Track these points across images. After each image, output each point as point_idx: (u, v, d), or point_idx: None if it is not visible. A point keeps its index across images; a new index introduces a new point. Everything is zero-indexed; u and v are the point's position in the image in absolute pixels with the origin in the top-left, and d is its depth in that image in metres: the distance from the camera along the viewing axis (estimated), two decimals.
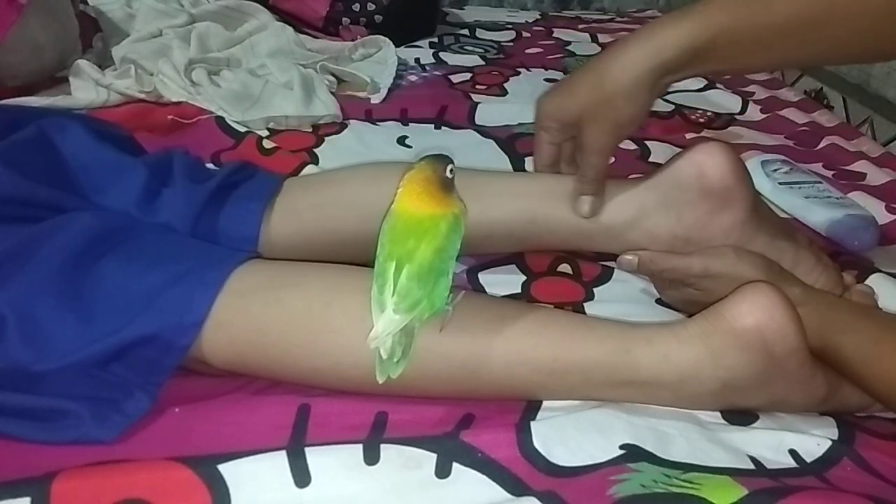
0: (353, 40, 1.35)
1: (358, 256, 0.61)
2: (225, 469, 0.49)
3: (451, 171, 0.55)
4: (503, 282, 0.74)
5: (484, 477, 0.51)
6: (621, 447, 0.54)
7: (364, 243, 0.57)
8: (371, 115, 1.09)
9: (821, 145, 1.11)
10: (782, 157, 0.99)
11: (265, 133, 1.00)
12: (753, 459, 0.54)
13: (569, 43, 1.51)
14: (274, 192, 0.72)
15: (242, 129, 1.00)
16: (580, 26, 1.66)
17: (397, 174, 0.56)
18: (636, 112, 0.66)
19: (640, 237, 0.70)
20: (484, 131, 1.05)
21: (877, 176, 1.02)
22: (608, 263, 0.77)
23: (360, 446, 0.52)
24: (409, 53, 1.37)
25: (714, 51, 0.63)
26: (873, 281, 0.76)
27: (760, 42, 0.63)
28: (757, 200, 0.71)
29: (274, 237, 0.70)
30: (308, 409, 0.56)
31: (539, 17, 1.78)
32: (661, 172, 0.71)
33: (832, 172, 1.02)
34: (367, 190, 0.70)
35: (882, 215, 0.90)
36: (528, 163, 0.97)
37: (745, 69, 0.67)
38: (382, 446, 0.52)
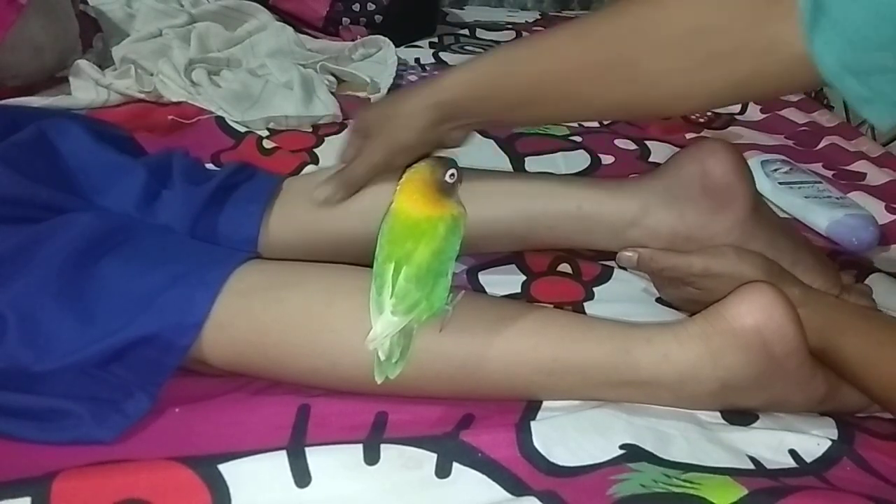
0: (353, 40, 1.35)
1: (358, 257, 0.61)
2: (225, 469, 0.50)
3: (453, 175, 0.55)
4: (503, 282, 0.74)
5: (484, 477, 0.51)
6: (621, 447, 0.54)
7: (364, 245, 0.57)
8: None
9: (821, 145, 1.11)
10: (782, 157, 0.99)
11: (265, 133, 1.00)
12: (753, 459, 0.54)
13: None
14: (273, 193, 0.72)
15: (242, 129, 1.00)
16: None
17: (396, 174, 0.56)
18: (410, 142, 0.68)
19: (642, 235, 0.70)
20: (484, 131, 1.05)
21: (877, 176, 1.02)
22: (608, 263, 0.77)
23: (361, 446, 0.52)
24: (409, 53, 1.37)
25: (486, 100, 0.66)
26: (873, 281, 0.76)
27: (541, 91, 0.64)
28: (758, 200, 0.71)
29: (273, 238, 0.70)
30: (308, 409, 0.56)
31: (539, 17, 1.78)
32: (664, 170, 0.71)
33: (832, 172, 1.02)
34: (366, 191, 0.70)
35: (882, 215, 0.90)
36: (529, 163, 0.97)
37: (538, 118, 0.71)
38: (382, 446, 0.52)
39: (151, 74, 1.09)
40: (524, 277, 0.75)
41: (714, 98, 0.63)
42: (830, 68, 0.51)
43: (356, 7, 1.41)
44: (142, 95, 1.06)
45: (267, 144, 0.97)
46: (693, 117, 1.18)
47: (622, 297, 0.73)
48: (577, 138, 1.04)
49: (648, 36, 0.59)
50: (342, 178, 0.71)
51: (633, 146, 1.04)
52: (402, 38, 1.40)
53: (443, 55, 1.39)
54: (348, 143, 0.75)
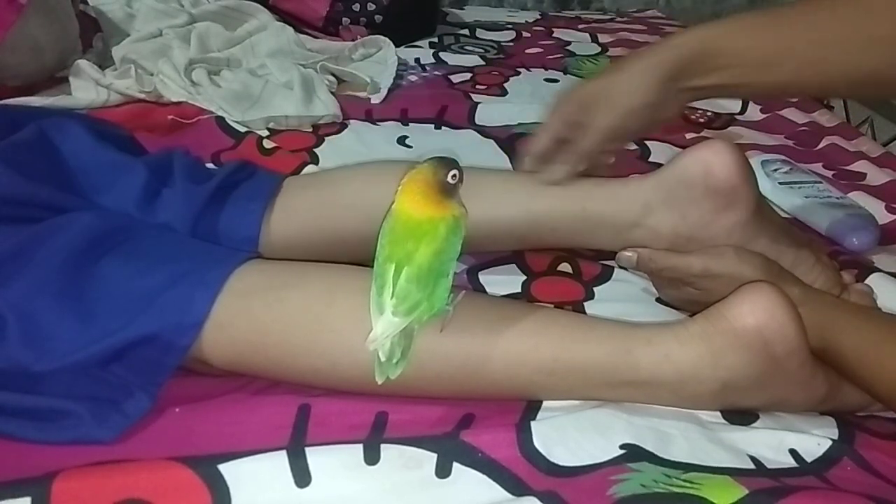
0: (353, 40, 1.35)
1: (358, 256, 0.61)
2: (225, 469, 0.50)
3: (455, 175, 0.55)
4: (503, 281, 0.74)
5: (484, 477, 0.51)
6: (621, 447, 0.54)
7: (365, 243, 0.57)
8: (371, 115, 1.09)
9: (821, 145, 1.11)
10: (782, 157, 0.99)
11: (265, 133, 1.00)
12: (754, 459, 0.54)
13: (569, 43, 1.51)
14: (274, 191, 0.72)
15: (242, 129, 1.00)
16: (580, 26, 1.66)
17: (397, 174, 0.56)
18: (637, 103, 0.67)
19: (644, 234, 0.69)
20: (484, 131, 1.05)
21: (877, 176, 1.02)
22: (608, 263, 0.77)
23: (361, 446, 0.52)
24: (409, 53, 1.37)
25: (721, 56, 0.64)
26: (873, 281, 0.76)
27: (786, 53, 0.64)
28: (760, 200, 0.70)
29: (274, 237, 0.70)
30: (308, 409, 0.56)
31: (539, 17, 1.78)
32: (667, 170, 0.71)
33: (832, 172, 1.02)
34: (368, 190, 0.70)
35: (882, 215, 0.90)
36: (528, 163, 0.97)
37: (760, 87, 0.69)
38: (383, 446, 0.52)
39: (151, 74, 1.09)
40: (524, 277, 0.75)
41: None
42: None
43: (356, 7, 1.41)
44: (142, 95, 1.06)
45: (267, 144, 0.97)
46: (693, 117, 1.18)
47: (622, 296, 0.73)
48: None
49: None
50: (575, 151, 0.69)
51: (633, 146, 1.04)
52: (402, 38, 1.40)
53: (443, 55, 1.39)
54: (542, 132, 0.72)
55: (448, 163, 0.55)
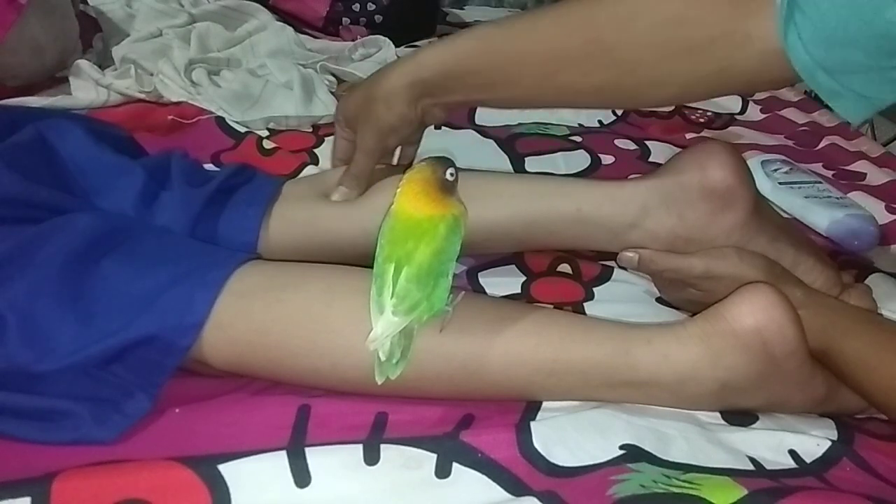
0: (353, 40, 1.35)
1: (358, 259, 0.61)
2: (225, 469, 0.50)
3: (452, 174, 0.55)
4: (503, 282, 0.74)
5: (484, 477, 0.51)
6: (621, 447, 0.54)
7: (364, 246, 0.57)
8: None
9: (821, 145, 1.11)
10: (782, 157, 0.99)
11: (265, 133, 1.00)
12: (753, 460, 0.54)
13: None
14: (272, 196, 0.72)
15: (242, 130, 1.00)
16: None
17: (394, 183, 0.56)
18: (395, 121, 0.69)
19: (642, 236, 0.70)
20: (484, 131, 1.05)
21: (877, 176, 1.02)
22: (608, 263, 0.77)
23: (361, 446, 0.52)
24: (409, 53, 1.37)
25: (460, 78, 0.66)
26: (873, 281, 0.76)
27: (520, 70, 0.65)
28: (758, 201, 0.71)
29: (273, 242, 0.70)
30: (308, 409, 0.56)
31: None
32: (664, 172, 0.71)
33: (832, 172, 1.02)
34: (366, 202, 0.70)
35: (882, 215, 0.90)
36: (529, 163, 0.97)
37: (506, 101, 0.73)
38: (382, 446, 0.52)
39: (151, 74, 1.09)
40: (524, 278, 0.75)
41: (687, 89, 0.64)
42: (803, 63, 0.53)
43: (356, 7, 1.41)
44: (142, 95, 1.05)
45: (267, 144, 0.97)
46: (693, 117, 1.18)
47: (622, 297, 0.73)
48: (577, 138, 1.04)
49: (626, 24, 0.60)
50: (350, 174, 0.72)
51: (633, 146, 1.04)
52: (402, 38, 1.40)
53: None
54: (337, 136, 0.75)
55: (444, 161, 0.55)
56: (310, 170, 0.92)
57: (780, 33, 0.53)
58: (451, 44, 0.68)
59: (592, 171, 0.97)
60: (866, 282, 0.76)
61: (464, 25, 1.61)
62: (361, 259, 0.58)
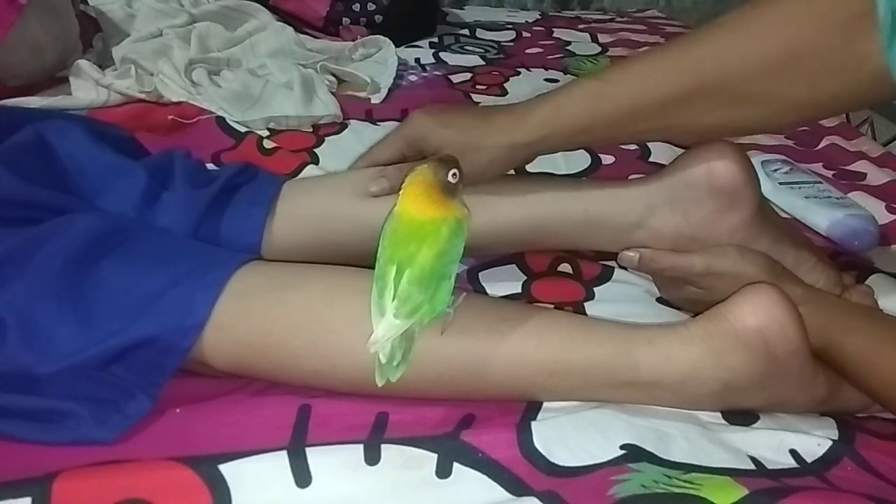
0: (353, 40, 1.35)
1: (360, 260, 0.61)
2: (226, 469, 0.50)
3: (455, 175, 0.55)
4: (503, 282, 0.74)
5: (484, 477, 0.51)
6: (622, 447, 0.54)
7: (367, 247, 0.57)
8: (371, 115, 1.09)
9: (821, 145, 1.11)
10: (782, 157, 0.99)
11: (265, 133, 1.00)
12: (754, 460, 0.54)
13: (569, 43, 1.51)
14: (275, 196, 0.72)
15: (243, 130, 1.00)
16: (580, 26, 1.66)
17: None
18: (490, 174, 0.68)
19: (646, 236, 0.69)
20: None
21: (877, 176, 1.02)
22: (609, 263, 0.77)
23: (361, 446, 0.52)
24: (409, 53, 1.37)
25: (574, 136, 0.67)
26: (873, 281, 0.76)
27: (630, 119, 0.65)
28: (762, 201, 0.71)
29: (276, 242, 0.70)
30: (309, 409, 0.56)
31: (539, 17, 1.78)
32: (670, 170, 0.71)
33: (832, 172, 1.02)
34: (370, 204, 0.70)
35: (882, 215, 0.90)
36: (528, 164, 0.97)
37: (617, 140, 0.76)
38: (383, 446, 0.52)
39: (151, 74, 1.09)
40: (524, 278, 0.75)
41: (804, 115, 0.64)
42: None
43: (356, 7, 1.41)
44: (142, 95, 1.05)
45: (267, 144, 0.97)
46: None
47: (623, 297, 0.73)
48: None
49: (740, 63, 0.59)
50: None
51: (633, 146, 1.04)
52: (402, 38, 1.40)
53: (443, 55, 1.39)
54: (387, 144, 0.73)
55: (448, 162, 0.55)
56: (310, 169, 0.91)
57: (886, 50, 0.52)
58: (557, 104, 0.66)
59: (593, 171, 0.97)
60: (866, 282, 0.76)
61: (464, 25, 1.61)
62: (365, 259, 0.58)
